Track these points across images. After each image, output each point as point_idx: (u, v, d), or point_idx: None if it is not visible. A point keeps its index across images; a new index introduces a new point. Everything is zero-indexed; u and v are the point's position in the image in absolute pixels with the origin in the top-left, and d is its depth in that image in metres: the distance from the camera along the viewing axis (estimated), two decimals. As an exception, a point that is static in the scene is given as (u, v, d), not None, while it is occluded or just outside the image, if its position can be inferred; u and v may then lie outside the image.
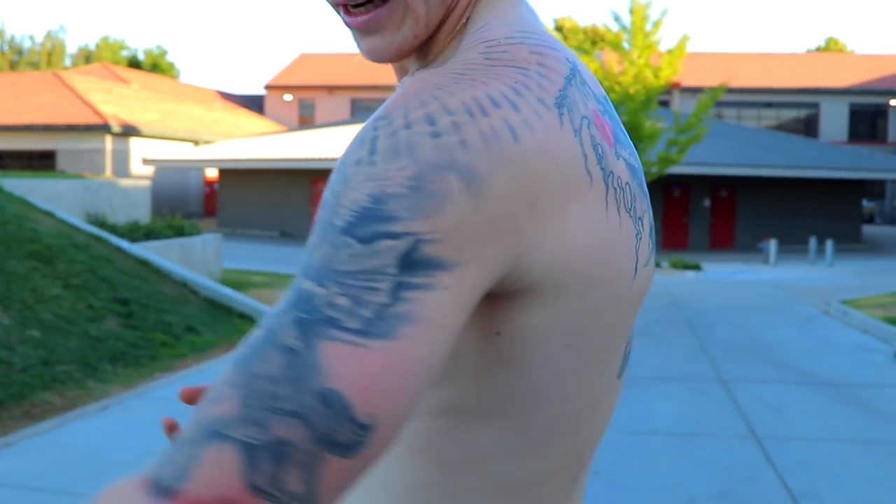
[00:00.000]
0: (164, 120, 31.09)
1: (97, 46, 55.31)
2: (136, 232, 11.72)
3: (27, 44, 58.33)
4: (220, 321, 9.01)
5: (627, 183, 0.74)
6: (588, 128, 0.69)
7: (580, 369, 0.73)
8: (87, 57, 54.35)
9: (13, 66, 50.15)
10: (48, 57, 51.18)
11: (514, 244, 0.62)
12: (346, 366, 0.54)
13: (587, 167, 0.67)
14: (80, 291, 7.92)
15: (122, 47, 56.43)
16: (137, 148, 28.58)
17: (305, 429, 0.53)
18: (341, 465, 0.54)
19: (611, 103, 0.80)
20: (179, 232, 12.52)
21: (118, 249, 9.81)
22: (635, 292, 0.75)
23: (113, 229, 11.43)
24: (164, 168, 28.20)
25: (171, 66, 56.32)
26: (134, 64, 54.09)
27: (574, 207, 0.66)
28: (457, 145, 0.60)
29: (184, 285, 9.68)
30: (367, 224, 0.58)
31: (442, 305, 0.58)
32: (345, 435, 0.54)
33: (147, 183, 15.54)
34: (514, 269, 0.63)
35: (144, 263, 9.71)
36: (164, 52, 56.74)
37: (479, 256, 0.60)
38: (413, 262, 0.57)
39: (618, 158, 0.73)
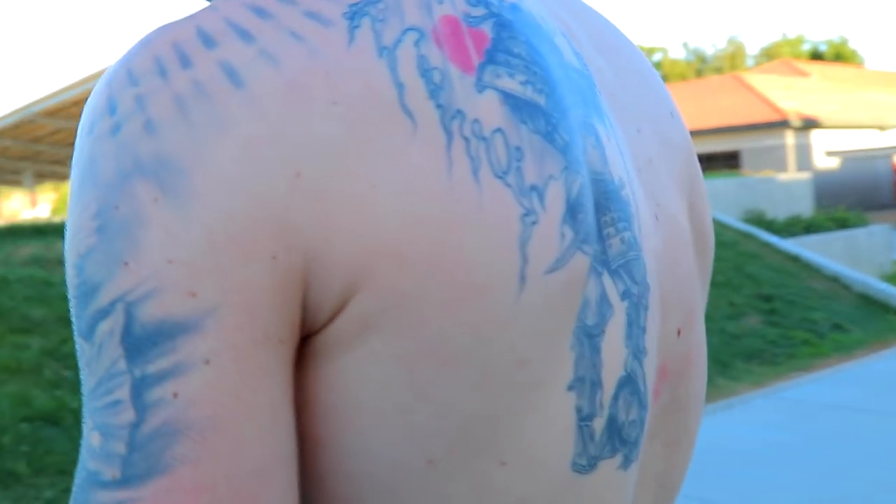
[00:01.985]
0: (845, 109, 30.21)
1: (776, 44, 56.29)
2: (794, 226, 11.59)
3: (710, 51, 62.27)
4: (873, 318, 8.34)
5: (501, 130, 0.43)
6: (416, 45, 0.43)
7: (439, 457, 0.43)
8: (767, 55, 55.65)
9: (698, 73, 53.49)
10: (730, 61, 53.54)
11: (286, 249, 0.40)
12: None
13: (404, 103, 0.41)
14: (722, 289, 8.03)
15: (802, 41, 56.55)
16: (818, 140, 28.17)
17: None
18: None
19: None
20: (842, 224, 12.10)
21: (767, 245, 9.74)
22: (538, 319, 0.43)
23: (770, 225, 11.42)
24: (848, 159, 27.39)
25: (854, 53, 54.54)
26: (816, 56, 53.55)
27: (379, 168, 0.40)
28: (140, 132, 0.40)
29: (835, 280, 9.21)
30: (82, 310, 0.40)
31: (213, 388, 0.38)
32: None
33: (808, 175, 15.14)
34: (311, 290, 0.41)
35: (794, 259, 9.49)
36: (845, 41, 55.33)
37: (230, 290, 0.39)
38: (138, 343, 0.38)
39: (482, 91, 0.43)
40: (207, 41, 0.41)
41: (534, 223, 0.42)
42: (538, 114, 0.44)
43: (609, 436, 0.46)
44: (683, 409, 0.56)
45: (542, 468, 0.44)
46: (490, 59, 0.44)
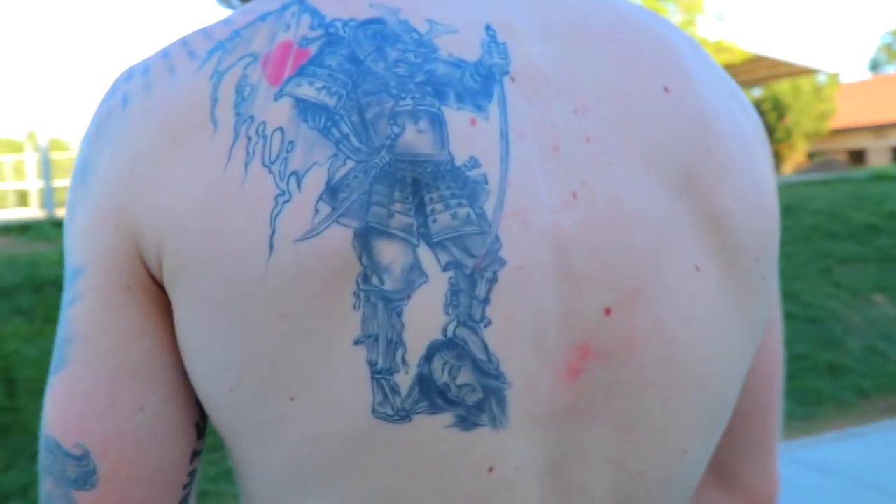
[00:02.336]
0: None
1: None
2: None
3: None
4: None
5: (281, 129, 0.52)
6: (245, 67, 0.55)
7: (235, 386, 0.54)
8: None
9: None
10: None
11: (124, 222, 0.55)
12: (48, 409, 0.57)
13: (214, 113, 0.54)
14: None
15: None
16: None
17: (50, 477, 0.57)
18: (93, 497, 0.55)
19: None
20: None
21: None
22: (293, 279, 0.51)
23: None
24: None
25: None
26: None
27: (183, 164, 0.54)
28: (82, 145, 0.59)
29: None
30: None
31: (86, 314, 0.56)
32: (73, 470, 0.55)
33: None
34: (143, 255, 0.55)
35: None
36: None
37: (97, 249, 0.56)
38: (66, 280, 0.58)
39: (279, 98, 0.53)
40: (130, 75, 0.58)
41: (286, 201, 0.51)
42: (321, 113, 0.52)
43: (423, 393, 0.51)
44: (635, 394, 0.56)
45: (337, 409, 0.52)
46: (300, 72, 0.54)
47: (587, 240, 0.54)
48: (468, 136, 0.53)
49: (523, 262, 0.52)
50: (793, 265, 8.59)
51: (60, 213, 10.61)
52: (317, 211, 0.51)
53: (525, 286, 0.52)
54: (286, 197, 0.51)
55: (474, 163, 0.52)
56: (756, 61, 20.85)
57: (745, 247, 0.60)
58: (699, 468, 0.63)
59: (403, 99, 0.52)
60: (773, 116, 28.33)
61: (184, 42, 0.57)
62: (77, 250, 0.57)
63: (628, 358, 0.55)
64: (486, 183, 0.52)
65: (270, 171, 0.52)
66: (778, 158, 28.93)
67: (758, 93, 29.11)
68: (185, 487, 0.57)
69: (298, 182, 0.51)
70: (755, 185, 0.61)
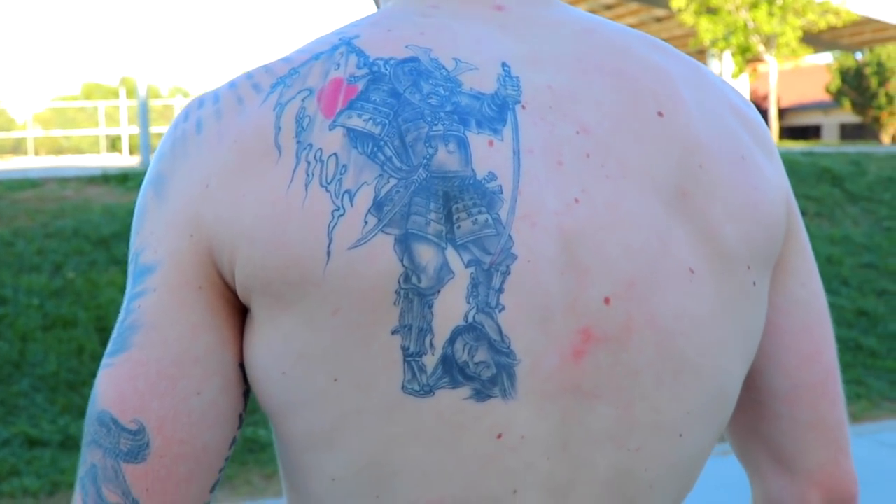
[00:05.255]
0: None
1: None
2: None
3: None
4: None
5: (335, 154, 0.62)
6: (303, 100, 0.64)
7: (288, 371, 0.63)
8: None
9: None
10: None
11: (198, 230, 0.64)
12: (104, 386, 0.63)
13: (277, 140, 0.63)
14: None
15: None
16: None
17: (100, 449, 0.63)
18: (141, 470, 0.62)
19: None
20: None
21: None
22: (345, 280, 0.60)
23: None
24: None
25: None
26: None
27: (252, 184, 0.63)
28: (156, 160, 0.68)
29: None
30: (130, 250, 0.69)
31: (156, 306, 0.63)
32: (126, 444, 0.62)
33: None
34: (216, 261, 0.64)
35: None
36: None
37: (171, 251, 0.64)
38: (135, 275, 0.65)
39: (333, 129, 0.63)
40: (202, 102, 0.68)
41: (341, 216, 0.61)
42: (368, 140, 0.62)
43: (446, 370, 0.61)
44: (633, 376, 0.64)
45: (372, 388, 0.61)
46: (350, 106, 0.63)
47: (588, 237, 0.63)
48: (487, 154, 0.63)
49: (531, 257, 0.62)
50: (894, 239, 8.29)
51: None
52: (366, 222, 0.60)
53: (534, 277, 0.62)
54: (341, 212, 0.61)
55: (492, 176, 0.62)
56: (863, 24, 20.08)
57: (737, 255, 0.68)
58: (698, 456, 0.70)
59: (436, 125, 0.63)
60: (874, 82, 27.23)
61: (248, 76, 0.67)
62: (149, 250, 0.64)
63: (626, 343, 0.64)
64: (502, 192, 0.62)
65: (327, 191, 0.61)
66: (877, 125, 27.84)
67: (860, 56, 27.99)
68: (220, 471, 0.65)
69: (351, 199, 0.61)
70: (748, 197, 0.69)
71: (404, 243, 0.60)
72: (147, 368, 0.62)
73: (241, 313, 0.65)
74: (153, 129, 13.69)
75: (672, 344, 0.65)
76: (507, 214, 0.61)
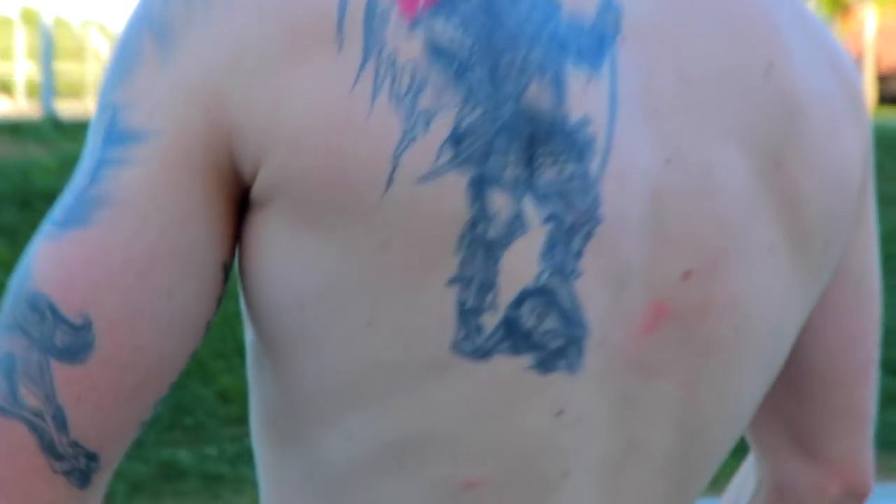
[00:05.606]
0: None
1: None
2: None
3: None
4: None
5: (413, 64, 0.52)
6: None
7: (308, 302, 0.54)
8: None
9: None
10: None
11: (219, 109, 0.52)
12: (46, 262, 0.53)
13: (341, 27, 0.52)
14: None
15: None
16: None
17: (25, 338, 0.52)
18: (76, 373, 0.51)
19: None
20: None
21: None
22: (403, 215, 0.53)
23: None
24: None
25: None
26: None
27: (302, 73, 0.51)
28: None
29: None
30: (101, 96, 0.56)
31: (140, 183, 0.52)
32: (63, 339, 0.52)
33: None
34: (234, 151, 0.53)
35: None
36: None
37: (176, 123, 0.52)
38: (111, 136, 0.54)
39: (412, 30, 0.52)
40: None
41: (412, 139, 0.52)
42: (455, 56, 0.53)
43: (507, 334, 0.55)
44: (705, 355, 0.59)
45: (415, 340, 0.54)
46: (435, 11, 0.54)
47: (675, 205, 0.57)
48: (582, 95, 0.55)
49: (616, 222, 0.56)
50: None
51: (62, 106, 9.87)
52: (439, 155, 0.53)
53: (615, 243, 0.56)
54: (412, 135, 0.53)
55: (586, 122, 0.55)
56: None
57: (818, 232, 0.63)
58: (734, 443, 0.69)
59: (533, 53, 0.54)
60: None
61: None
62: (141, 112, 0.53)
63: (700, 322, 0.59)
64: (594, 143, 0.55)
65: (399, 107, 0.53)
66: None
67: None
68: (170, 386, 0.55)
69: (427, 123, 0.53)
70: (836, 174, 0.63)
71: (478, 186, 0.53)
72: (109, 255, 0.51)
73: (238, 204, 0.54)
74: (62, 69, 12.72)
75: (747, 326, 0.60)
76: (597, 169, 0.55)
